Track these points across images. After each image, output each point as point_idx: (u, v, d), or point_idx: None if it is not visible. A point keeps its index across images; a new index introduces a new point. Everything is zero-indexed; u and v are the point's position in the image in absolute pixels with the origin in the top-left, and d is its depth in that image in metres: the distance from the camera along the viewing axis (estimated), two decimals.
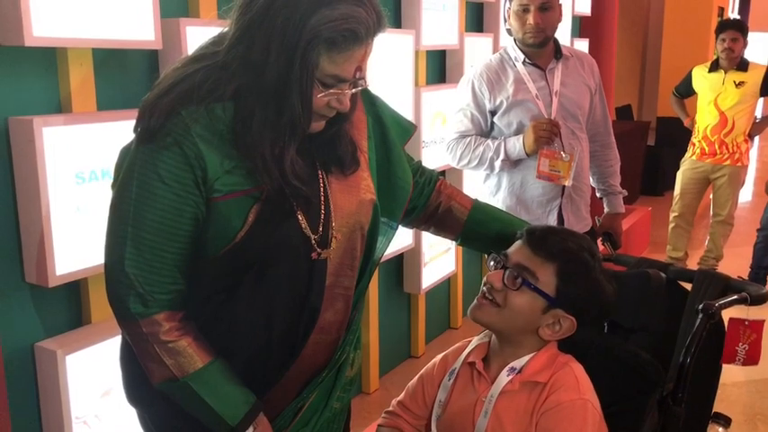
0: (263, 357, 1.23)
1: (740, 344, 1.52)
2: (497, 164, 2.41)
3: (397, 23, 3.05)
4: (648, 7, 9.35)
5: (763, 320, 1.54)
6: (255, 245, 1.14)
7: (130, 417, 1.87)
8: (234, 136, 1.12)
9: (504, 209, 2.45)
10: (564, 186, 2.41)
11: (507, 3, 2.41)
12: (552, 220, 2.45)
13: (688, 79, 4.68)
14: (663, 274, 1.51)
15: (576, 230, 2.44)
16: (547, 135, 2.31)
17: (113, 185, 1.18)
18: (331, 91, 1.12)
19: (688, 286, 1.65)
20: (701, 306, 1.45)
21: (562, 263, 1.29)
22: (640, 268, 1.63)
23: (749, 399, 3.18)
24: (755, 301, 1.52)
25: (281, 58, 1.07)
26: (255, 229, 1.14)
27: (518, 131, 2.39)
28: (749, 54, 4.54)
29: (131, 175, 1.12)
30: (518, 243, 1.35)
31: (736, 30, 4.35)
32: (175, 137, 1.10)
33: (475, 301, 1.35)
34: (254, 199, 1.14)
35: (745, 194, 7.88)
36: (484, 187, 2.57)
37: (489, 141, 2.43)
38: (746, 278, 4.47)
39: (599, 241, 2.68)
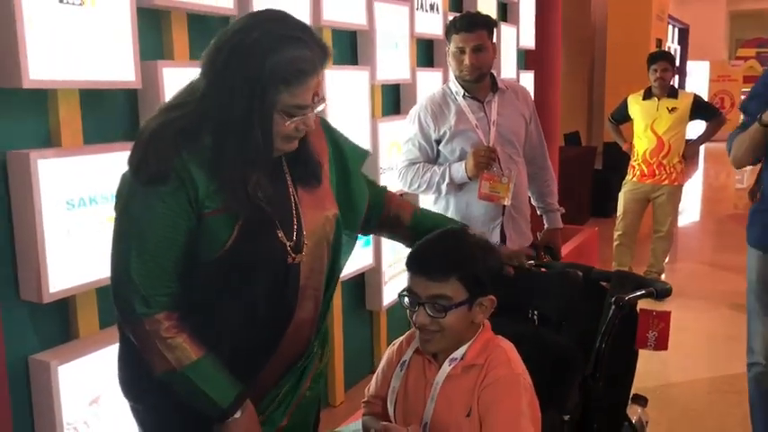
0: (248, 350, 1.44)
1: (650, 331, 1.78)
2: (444, 187, 2.66)
3: (354, 61, 3.30)
4: (593, 40, 9.86)
5: (669, 311, 1.80)
6: (241, 252, 1.36)
7: (116, 423, 2.07)
8: (213, 165, 1.34)
9: None
10: (504, 206, 2.67)
11: (447, 43, 2.68)
12: (496, 236, 2.69)
13: (623, 106, 5.03)
14: (579, 273, 1.76)
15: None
16: (485, 161, 2.57)
17: (116, 207, 1.38)
18: (296, 119, 1.35)
19: None
20: (613, 299, 1.71)
21: (456, 271, 1.46)
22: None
23: (683, 397, 3.45)
24: (660, 294, 1.79)
25: (243, 106, 1.30)
26: (240, 239, 1.35)
27: (461, 158, 2.65)
28: (690, 80, 4.92)
29: (134, 198, 1.33)
30: (412, 275, 1.51)
31: (666, 61, 4.73)
32: (175, 169, 1.31)
33: (420, 336, 1.54)
34: (237, 215, 1.35)
35: (692, 214, 8.32)
36: (433, 209, 2.80)
37: (436, 167, 2.67)
38: None
39: (541, 255, 2.95)
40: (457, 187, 2.67)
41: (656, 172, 4.86)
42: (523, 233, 2.80)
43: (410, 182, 2.72)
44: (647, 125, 4.83)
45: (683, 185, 5.03)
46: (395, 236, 1.81)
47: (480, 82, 2.66)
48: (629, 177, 5.02)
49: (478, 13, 2.77)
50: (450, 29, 2.62)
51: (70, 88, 2.00)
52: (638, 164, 4.92)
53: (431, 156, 2.73)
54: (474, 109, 2.67)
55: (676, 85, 5.03)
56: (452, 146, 2.67)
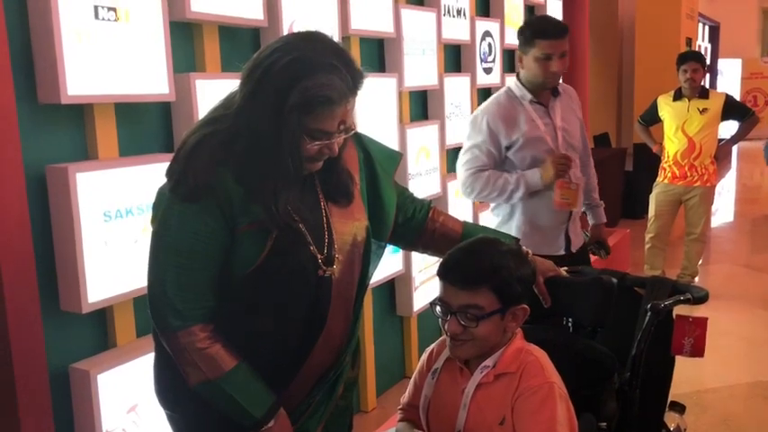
0: (280, 360, 1.46)
1: (686, 338, 1.76)
2: (517, 195, 2.59)
3: (382, 68, 3.33)
4: (621, 41, 9.77)
5: (706, 318, 1.78)
6: (274, 267, 1.37)
7: (153, 430, 2.09)
8: (247, 181, 1.36)
9: (519, 235, 2.59)
10: (570, 211, 2.65)
11: (524, 48, 2.56)
12: (561, 241, 2.69)
13: (653, 108, 4.97)
14: (614, 280, 1.75)
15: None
16: (563, 168, 2.54)
17: (153, 221, 1.41)
18: (317, 143, 1.36)
19: None
20: (649, 306, 1.69)
21: (488, 281, 1.46)
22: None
23: (721, 403, 3.39)
24: (697, 300, 1.77)
25: (272, 124, 1.32)
26: (273, 254, 1.37)
27: (531, 165, 2.59)
28: (722, 78, 4.86)
29: (171, 213, 1.35)
30: (444, 284, 1.51)
31: (696, 61, 4.67)
32: (212, 185, 1.33)
33: (450, 342, 1.53)
34: (269, 230, 1.37)
35: (726, 215, 8.19)
36: (492, 215, 2.77)
37: (507, 175, 2.59)
38: None
39: (590, 252, 2.95)
40: (527, 195, 2.61)
41: (688, 173, 4.80)
42: (579, 234, 2.81)
43: (479, 190, 2.62)
44: (677, 126, 4.77)
45: (715, 186, 4.96)
46: (440, 255, 1.70)
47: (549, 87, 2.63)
48: (660, 179, 4.96)
49: (556, 19, 2.74)
50: (536, 34, 2.52)
51: (106, 102, 2.04)
52: (670, 165, 4.87)
53: (498, 162, 2.64)
54: (540, 114, 2.63)
55: (707, 85, 4.96)
56: (524, 153, 2.60)
